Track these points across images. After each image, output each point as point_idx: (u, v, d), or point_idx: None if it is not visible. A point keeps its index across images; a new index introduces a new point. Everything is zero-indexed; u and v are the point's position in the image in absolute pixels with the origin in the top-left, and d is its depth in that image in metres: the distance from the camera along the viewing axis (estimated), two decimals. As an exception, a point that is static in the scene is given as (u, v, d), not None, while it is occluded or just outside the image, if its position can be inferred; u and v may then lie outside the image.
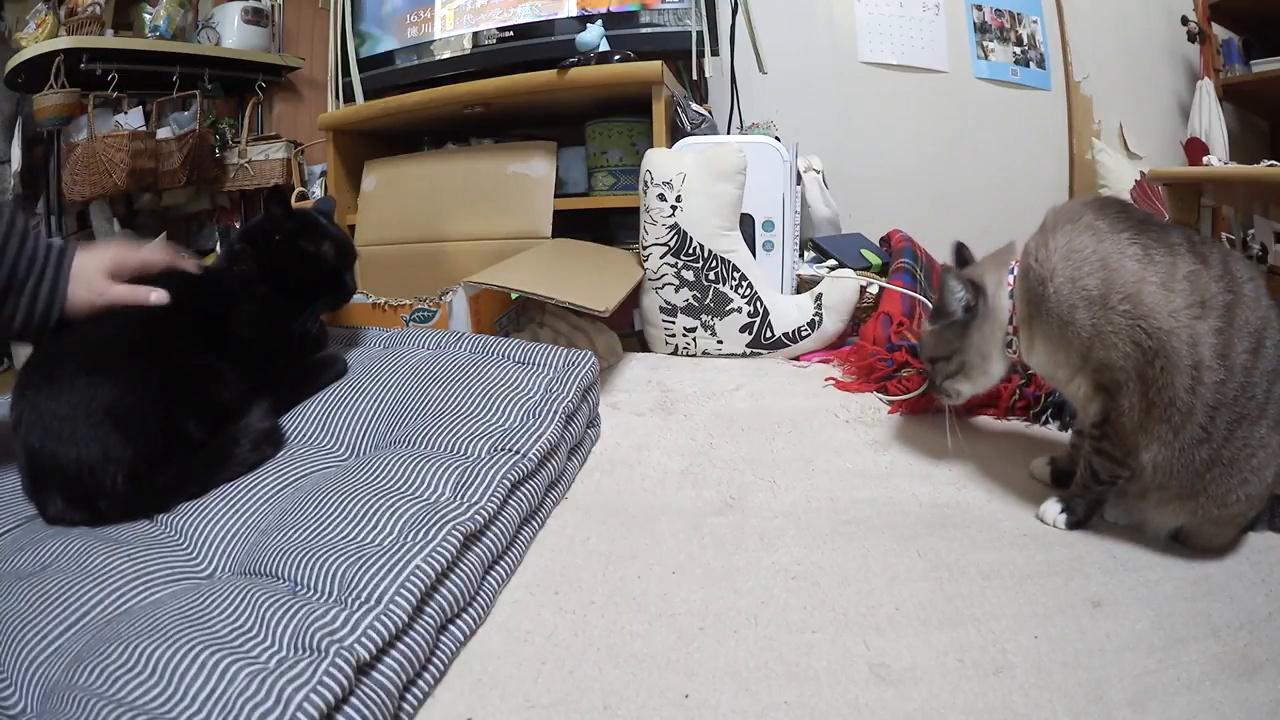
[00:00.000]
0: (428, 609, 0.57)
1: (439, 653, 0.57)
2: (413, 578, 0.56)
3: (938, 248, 1.67)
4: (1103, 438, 0.69)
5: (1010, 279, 0.77)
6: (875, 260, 1.57)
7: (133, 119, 2.16)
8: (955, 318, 0.79)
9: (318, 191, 2.20)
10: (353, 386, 0.93)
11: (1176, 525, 0.68)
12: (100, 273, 0.80)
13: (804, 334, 1.34)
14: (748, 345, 1.35)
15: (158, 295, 0.82)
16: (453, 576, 0.60)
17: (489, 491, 0.68)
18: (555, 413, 0.82)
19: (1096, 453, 0.70)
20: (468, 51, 1.93)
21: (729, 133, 2.01)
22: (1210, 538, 0.67)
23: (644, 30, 1.81)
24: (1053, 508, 0.74)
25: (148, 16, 2.23)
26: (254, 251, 0.94)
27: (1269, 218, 1.89)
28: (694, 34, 1.79)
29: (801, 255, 1.59)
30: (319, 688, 0.46)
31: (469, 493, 0.68)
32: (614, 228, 1.78)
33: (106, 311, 0.80)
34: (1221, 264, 0.64)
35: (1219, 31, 2.12)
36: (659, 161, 1.37)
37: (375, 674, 0.51)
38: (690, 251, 1.33)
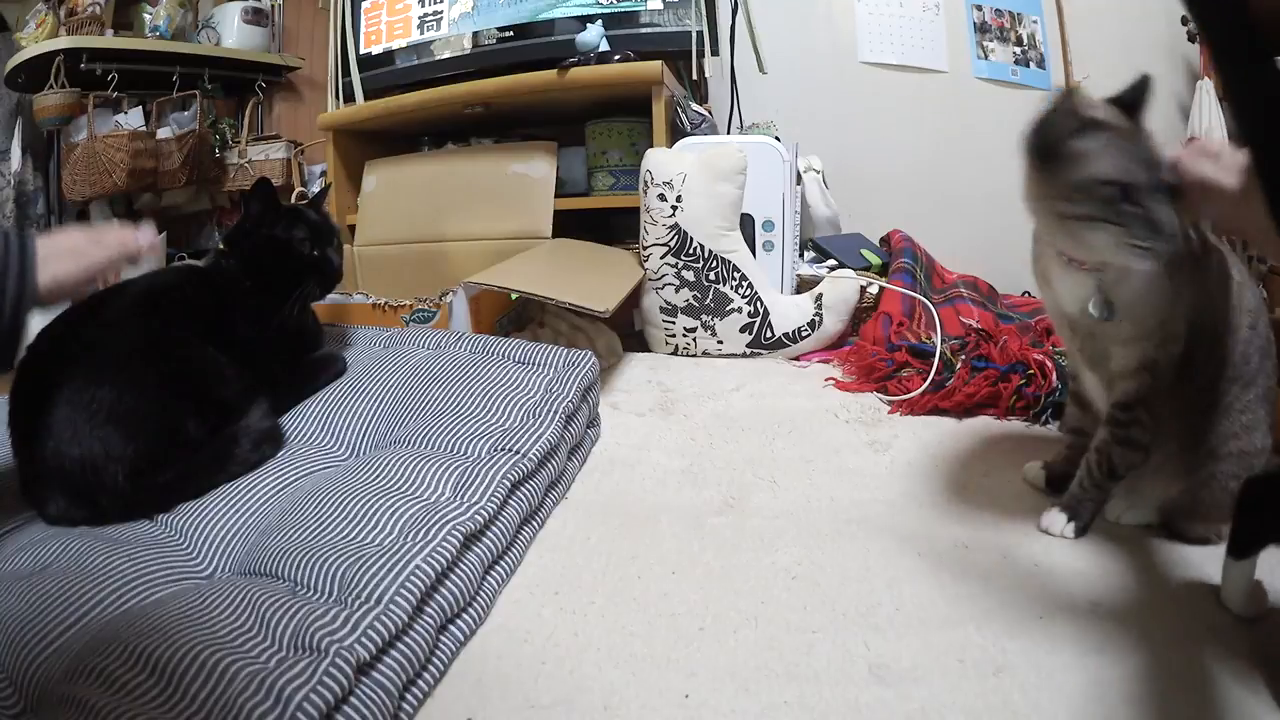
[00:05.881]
0: (428, 609, 0.57)
1: (439, 653, 0.57)
2: (413, 578, 0.56)
3: (938, 248, 1.67)
4: (1132, 423, 0.68)
5: None
6: (875, 260, 1.57)
7: (133, 119, 2.16)
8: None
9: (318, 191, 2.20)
10: (353, 386, 0.93)
11: (1171, 495, 0.69)
12: (76, 244, 0.70)
13: (804, 334, 1.34)
14: (748, 345, 1.35)
15: (146, 234, 0.74)
16: (453, 576, 0.60)
17: (489, 492, 0.68)
18: (555, 413, 0.82)
19: (1120, 442, 0.68)
20: (467, 51, 1.93)
21: (729, 133, 2.01)
22: (1201, 514, 0.68)
23: (644, 30, 1.81)
24: (1059, 519, 0.72)
25: (148, 16, 2.22)
26: (234, 249, 0.95)
27: (1269, 218, 1.88)
28: (694, 34, 1.78)
29: (801, 255, 1.59)
30: (319, 687, 0.46)
31: (469, 493, 0.68)
32: (614, 228, 1.78)
33: (105, 311, 0.79)
34: (1240, 275, 0.67)
35: (1219, 31, 2.12)
36: (659, 161, 1.37)
37: (375, 674, 0.51)
38: (690, 251, 1.33)
